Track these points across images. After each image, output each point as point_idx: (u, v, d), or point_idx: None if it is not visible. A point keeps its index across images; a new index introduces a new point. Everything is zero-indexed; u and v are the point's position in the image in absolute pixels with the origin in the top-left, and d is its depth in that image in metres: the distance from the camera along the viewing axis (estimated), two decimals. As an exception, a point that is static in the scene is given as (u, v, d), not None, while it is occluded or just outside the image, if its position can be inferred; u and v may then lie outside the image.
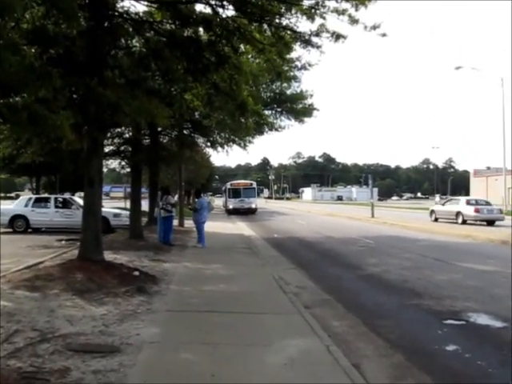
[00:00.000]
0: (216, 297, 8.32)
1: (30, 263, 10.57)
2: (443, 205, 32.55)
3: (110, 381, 4.49)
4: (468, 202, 29.64)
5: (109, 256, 11.31)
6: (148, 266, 11.01)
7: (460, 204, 29.83)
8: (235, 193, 46.90)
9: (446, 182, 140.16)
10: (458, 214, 29.22)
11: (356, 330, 6.98)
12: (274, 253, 15.83)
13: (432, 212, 32.73)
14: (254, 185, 50.32)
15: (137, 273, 9.39)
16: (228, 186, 49.47)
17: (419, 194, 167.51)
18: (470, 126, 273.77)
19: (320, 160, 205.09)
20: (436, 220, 31.50)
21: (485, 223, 27.87)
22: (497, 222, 28.08)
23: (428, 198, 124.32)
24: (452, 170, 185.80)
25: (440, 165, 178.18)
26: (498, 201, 67.35)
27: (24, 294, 7.54)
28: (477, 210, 28.35)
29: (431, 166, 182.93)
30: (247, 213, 44.19)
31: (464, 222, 28.42)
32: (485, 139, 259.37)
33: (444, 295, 9.08)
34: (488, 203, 30.38)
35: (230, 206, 46.18)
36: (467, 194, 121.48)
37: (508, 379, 5.06)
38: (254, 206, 46.44)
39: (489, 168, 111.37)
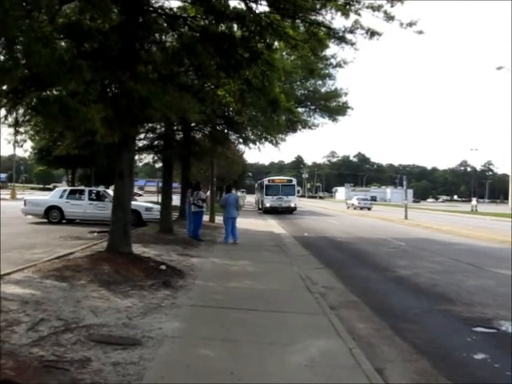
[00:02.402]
0: (241, 294, 8.29)
1: (61, 254, 10.79)
2: (350, 199, 66.05)
3: (129, 373, 4.50)
4: (357, 198, 62.78)
5: (138, 249, 11.45)
6: (176, 261, 11.07)
7: (353, 199, 63.19)
8: (273, 189, 43.12)
9: (484, 185, 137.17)
10: (352, 204, 61.18)
11: (381, 334, 6.84)
12: (303, 251, 15.73)
13: (347, 204, 64.69)
14: (294, 181, 46.15)
15: (163, 267, 9.44)
16: (265, 181, 45.36)
17: (456, 197, 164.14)
18: (510, 128, 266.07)
19: (354, 160, 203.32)
20: (348, 208, 60.67)
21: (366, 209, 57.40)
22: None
23: (465, 200, 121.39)
24: (490, 173, 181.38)
25: (478, 167, 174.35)
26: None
27: (52, 283, 7.67)
28: (359, 203, 60.36)
29: (469, 169, 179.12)
30: (285, 212, 41.19)
31: (355, 208, 58.67)
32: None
33: (475, 301, 8.81)
34: (366, 199, 63.38)
35: (267, 204, 42.44)
36: (505, 198, 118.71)
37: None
38: (293, 204, 42.82)
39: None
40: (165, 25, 10.56)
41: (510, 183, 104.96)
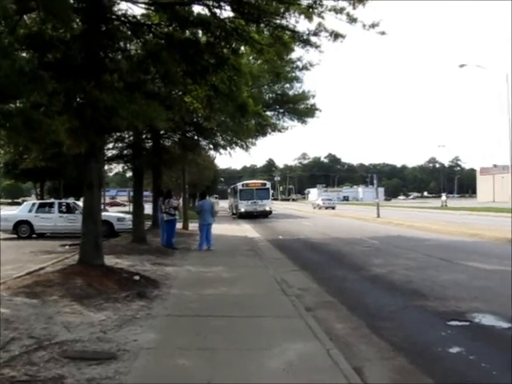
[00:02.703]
0: (217, 300, 8.23)
1: (31, 269, 10.54)
2: (316, 200, 74.38)
3: (104, 389, 4.41)
4: (322, 199, 70.74)
5: (110, 260, 11.27)
6: (150, 270, 10.94)
7: (318, 200, 70.41)
8: (247, 194, 42.67)
9: (453, 180, 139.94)
10: (318, 204, 67.09)
11: (358, 333, 6.87)
12: (278, 255, 15.75)
13: (313, 205, 71.00)
14: (268, 185, 46.22)
15: (137, 277, 9.32)
16: (239, 186, 44.92)
17: (426, 193, 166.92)
18: (476, 123, 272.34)
19: (325, 160, 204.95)
20: (314, 208, 65.56)
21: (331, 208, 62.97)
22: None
23: (436, 196, 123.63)
24: (458, 168, 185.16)
25: (446, 163, 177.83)
26: (505, 198, 67.12)
27: (23, 300, 7.46)
28: (323, 203, 66.57)
29: (437, 165, 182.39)
30: (260, 216, 40.68)
31: (320, 208, 63.47)
32: (491, 137, 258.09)
33: (449, 296, 8.94)
34: (330, 199, 71.13)
35: (242, 209, 41.95)
36: (474, 192, 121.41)
37: (512, 382, 4.93)
38: (268, 208, 42.53)
39: (495, 166, 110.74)
40: (129, 33, 10.44)
41: (477, 178, 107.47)
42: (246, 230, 26.90)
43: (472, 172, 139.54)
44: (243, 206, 42.00)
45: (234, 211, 46.41)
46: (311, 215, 46.88)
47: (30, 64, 6.52)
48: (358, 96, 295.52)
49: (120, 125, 8.73)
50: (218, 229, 21.41)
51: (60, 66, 7.91)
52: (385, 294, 9.56)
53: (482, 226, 24.46)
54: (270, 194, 44.92)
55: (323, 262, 14.26)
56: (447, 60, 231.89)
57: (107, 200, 61.63)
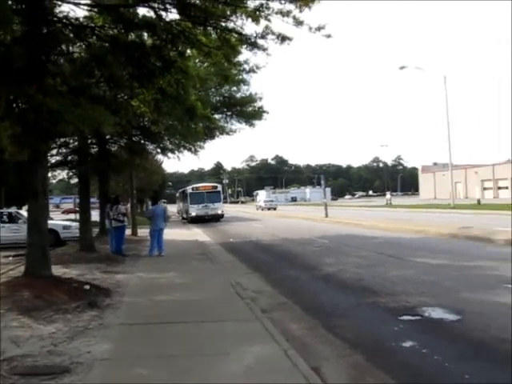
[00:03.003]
0: (171, 307, 8.12)
1: (-27, 283, 10.02)
2: (258, 201, 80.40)
3: (59, 404, 4.24)
4: (264, 201, 74.81)
5: (58, 270, 10.90)
6: (100, 279, 10.66)
7: (260, 202, 75.04)
8: (198, 198, 41.28)
9: (396, 179, 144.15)
10: (260, 206, 71.19)
11: (314, 332, 6.92)
12: (231, 258, 15.70)
13: (256, 206, 74.39)
14: (219, 188, 45.26)
15: (87, 287, 9.05)
16: (189, 190, 43.67)
17: (371, 192, 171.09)
18: (416, 123, 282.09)
19: (273, 162, 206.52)
20: (257, 209, 68.88)
21: (272, 209, 67.26)
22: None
23: (381, 195, 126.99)
24: (401, 167, 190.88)
25: (389, 162, 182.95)
26: (445, 195, 69.79)
27: (-35, 316, 7.10)
28: (265, 204, 70.76)
29: (381, 164, 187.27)
30: (212, 220, 39.84)
31: (262, 209, 67.09)
32: (431, 136, 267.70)
33: (399, 291, 9.17)
34: (272, 201, 74.81)
35: (193, 213, 40.69)
36: (416, 190, 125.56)
37: (464, 373, 5.10)
38: (220, 211, 41.53)
39: (435, 164, 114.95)
40: (71, 35, 10.14)
41: (419, 176, 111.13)
42: (197, 233, 26.69)
43: (414, 170, 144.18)
44: (194, 210, 40.81)
45: (185, 216, 45.45)
46: (260, 217, 47.02)
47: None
48: (303, 98, 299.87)
49: (66, 130, 8.46)
50: (168, 234, 21.01)
51: (1, 69, 7.57)
52: (337, 292, 9.69)
53: (426, 223, 25.28)
54: (222, 197, 44.16)
55: (275, 264, 14.34)
56: (388, 62, 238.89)
57: (51, 208, 59.44)
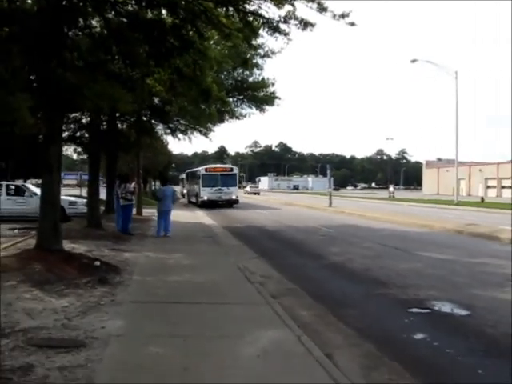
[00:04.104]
0: (181, 287, 8.14)
1: (-18, 253, 10.05)
2: (246, 187, 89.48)
3: (77, 377, 4.26)
4: (249, 187, 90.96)
5: (67, 246, 10.89)
6: (108, 256, 10.67)
7: (247, 187, 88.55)
8: (211, 180, 37.27)
9: (399, 172, 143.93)
10: (247, 190, 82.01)
11: (324, 320, 6.94)
12: (236, 242, 15.71)
13: (244, 191, 77.40)
14: (235, 170, 40.66)
15: (98, 263, 9.06)
16: (201, 171, 38.85)
17: (373, 184, 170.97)
18: (423, 118, 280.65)
19: (276, 149, 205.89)
20: (244, 193, 70.19)
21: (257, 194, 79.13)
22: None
23: (384, 188, 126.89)
24: (405, 160, 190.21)
25: (393, 156, 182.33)
26: (448, 191, 69.77)
27: (-23, 285, 7.13)
28: (251, 189, 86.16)
29: (385, 157, 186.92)
30: (225, 205, 36.56)
31: (248, 193, 76.48)
32: (437, 131, 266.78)
33: (407, 284, 9.19)
34: (256, 187, 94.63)
35: (204, 197, 36.76)
36: (419, 184, 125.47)
37: (477, 367, 5.12)
38: (234, 196, 37.60)
39: (440, 160, 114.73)
40: (90, 9, 10.04)
41: (423, 171, 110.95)
42: (200, 216, 26.70)
43: (417, 165, 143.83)
44: (206, 194, 37.00)
45: (193, 199, 41.48)
46: (263, 203, 46.97)
47: (-3, 36, 6.14)
48: (310, 85, 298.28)
49: (84, 105, 8.41)
50: (173, 215, 21.16)
51: (22, 40, 7.50)
52: (346, 281, 9.72)
53: (430, 217, 25.29)
54: (237, 180, 39.81)
55: (281, 250, 14.37)
56: (399, 54, 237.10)
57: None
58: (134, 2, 9.85)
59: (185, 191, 57.15)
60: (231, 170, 40.36)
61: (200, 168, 41.10)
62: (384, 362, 5.33)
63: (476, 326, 6.66)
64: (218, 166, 44.18)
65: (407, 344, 5.97)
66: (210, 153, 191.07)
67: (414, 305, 7.68)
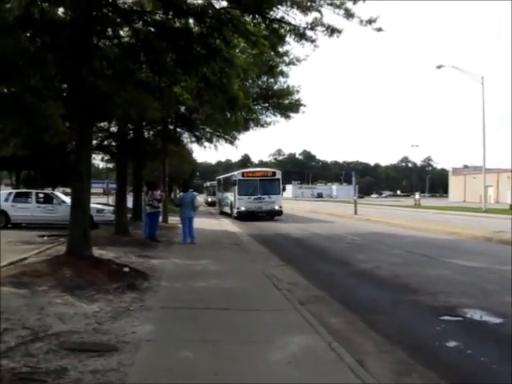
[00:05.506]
0: (209, 293, 8.15)
1: (14, 259, 10.25)
2: None
3: (110, 380, 4.30)
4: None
5: (95, 252, 11.01)
6: (136, 262, 10.77)
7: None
8: (249, 187, 31.31)
9: (424, 179, 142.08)
10: None
11: (354, 327, 6.88)
12: (262, 249, 15.70)
13: None
14: (278, 174, 32.81)
15: (127, 269, 9.15)
16: (238, 176, 32.34)
17: (398, 192, 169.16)
18: (450, 125, 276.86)
19: (300, 157, 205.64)
20: None
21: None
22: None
23: (409, 195, 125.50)
24: (430, 168, 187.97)
25: (418, 163, 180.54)
26: (475, 198, 68.59)
27: (11, 290, 7.24)
28: None
29: (410, 165, 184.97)
30: (266, 217, 31.06)
31: None
32: (462, 138, 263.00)
33: (438, 291, 9.05)
34: None
35: (242, 208, 30.87)
36: (445, 191, 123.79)
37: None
38: (277, 206, 31.28)
39: (466, 166, 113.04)
40: (118, 20, 10.21)
41: (449, 178, 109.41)
42: (225, 224, 26.77)
43: (443, 172, 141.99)
44: (243, 204, 31.02)
45: (227, 210, 35.67)
46: (287, 211, 46.71)
47: (34, 45, 6.28)
48: (333, 93, 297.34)
49: (115, 113, 8.55)
50: (196, 222, 21.26)
51: (55, 49, 7.67)
52: (374, 288, 9.62)
53: (457, 225, 24.87)
54: (281, 187, 32.82)
55: (308, 257, 14.32)
56: (424, 60, 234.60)
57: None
58: (161, 11, 9.96)
59: (209, 199, 55.79)
60: (273, 174, 33.00)
61: (235, 173, 34.45)
62: (416, 369, 5.25)
63: (509, 333, 6.50)
64: (258, 169, 36.46)
65: (440, 351, 5.86)
66: (233, 161, 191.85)
67: (445, 312, 7.55)
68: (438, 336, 6.45)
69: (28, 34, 7.17)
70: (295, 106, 21.85)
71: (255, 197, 30.85)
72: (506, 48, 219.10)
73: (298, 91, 22.02)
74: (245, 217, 30.23)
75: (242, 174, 32.64)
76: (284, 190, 34.19)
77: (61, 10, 8.80)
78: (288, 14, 8.95)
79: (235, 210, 31.60)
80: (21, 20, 7.29)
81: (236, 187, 31.56)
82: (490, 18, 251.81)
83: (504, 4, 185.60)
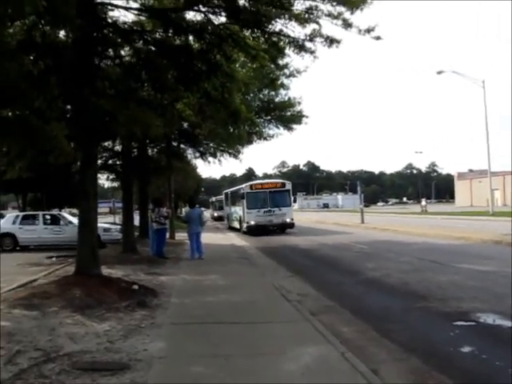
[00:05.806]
0: (219, 308, 8.14)
1: (24, 281, 10.29)
2: None
3: (124, 399, 4.29)
4: None
5: (104, 271, 11.03)
6: (145, 280, 10.78)
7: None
8: (258, 199, 29.94)
9: (430, 185, 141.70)
10: None
11: (366, 335, 6.83)
12: (270, 261, 15.67)
13: None
14: (288, 185, 31.30)
15: (136, 287, 9.16)
16: (246, 189, 30.82)
17: (405, 199, 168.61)
18: (452, 129, 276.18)
19: (304, 169, 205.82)
20: None
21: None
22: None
23: (415, 202, 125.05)
24: (435, 173, 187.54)
25: (423, 169, 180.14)
26: (482, 202, 68.26)
27: (22, 312, 7.27)
28: None
29: (415, 171, 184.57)
30: (276, 231, 29.61)
31: None
32: (467, 142, 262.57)
33: (449, 297, 8.98)
34: None
35: (251, 222, 29.23)
36: (451, 197, 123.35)
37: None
38: (288, 219, 29.64)
39: (471, 171, 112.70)
40: (119, 40, 10.33)
41: (455, 183, 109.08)
42: (232, 238, 26.76)
43: (448, 177, 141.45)
44: (253, 218, 29.38)
45: (236, 225, 34.11)
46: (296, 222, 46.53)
47: (37, 68, 6.36)
48: (335, 103, 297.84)
49: (118, 131, 8.61)
50: (203, 237, 21.26)
51: (57, 71, 7.77)
52: (385, 296, 9.56)
53: (465, 229, 24.75)
54: (291, 198, 31.93)
55: (316, 268, 14.27)
56: (424, 66, 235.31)
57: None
58: (161, 30, 10.08)
59: (215, 214, 55.98)
60: (283, 185, 31.33)
61: (243, 186, 32.82)
62: (432, 376, 5.20)
63: (524, 337, 6.44)
64: (266, 181, 34.73)
65: (455, 357, 5.81)
66: (238, 175, 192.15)
67: (458, 317, 7.48)
68: (452, 342, 6.39)
69: (31, 58, 7.26)
70: (297, 118, 21.93)
71: (265, 210, 29.45)
72: (506, 48, 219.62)
73: (299, 103, 22.17)
74: (255, 231, 28.90)
75: (251, 187, 31.15)
76: (295, 201, 33.90)
77: (62, 33, 8.90)
78: (286, 27, 9.04)
79: (244, 225, 30.25)
80: (23, 44, 7.42)
81: (244, 201, 30.24)
82: (490, 18, 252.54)
83: (504, 4, 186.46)
